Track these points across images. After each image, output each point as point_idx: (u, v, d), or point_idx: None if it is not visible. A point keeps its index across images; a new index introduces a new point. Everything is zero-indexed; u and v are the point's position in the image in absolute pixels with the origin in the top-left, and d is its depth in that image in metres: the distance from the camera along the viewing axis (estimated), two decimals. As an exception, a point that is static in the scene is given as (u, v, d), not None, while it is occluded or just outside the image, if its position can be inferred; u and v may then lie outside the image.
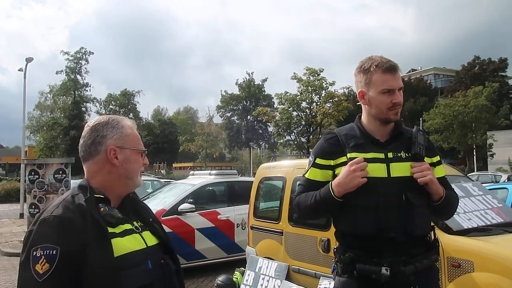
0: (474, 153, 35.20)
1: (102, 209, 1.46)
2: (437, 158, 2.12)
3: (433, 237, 2.07)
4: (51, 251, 1.34)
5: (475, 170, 30.54)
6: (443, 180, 2.08)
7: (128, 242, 1.49)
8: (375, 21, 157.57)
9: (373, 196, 1.92)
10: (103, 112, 49.11)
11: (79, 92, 45.06)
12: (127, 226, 1.54)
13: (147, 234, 1.60)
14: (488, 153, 35.50)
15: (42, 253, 1.34)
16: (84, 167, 1.60)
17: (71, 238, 1.36)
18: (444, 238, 3.31)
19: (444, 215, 2.20)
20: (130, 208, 1.63)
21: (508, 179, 19.76)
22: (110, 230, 1.45)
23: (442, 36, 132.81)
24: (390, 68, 1.98)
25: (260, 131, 54.82)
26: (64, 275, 1.34)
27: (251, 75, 54.05)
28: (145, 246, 1.54)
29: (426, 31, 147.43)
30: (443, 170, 2.15)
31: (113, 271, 1.38)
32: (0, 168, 52.47)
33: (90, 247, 1.36)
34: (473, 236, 3.46)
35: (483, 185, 5.04)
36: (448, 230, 3.45)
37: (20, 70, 21.30)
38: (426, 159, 2.02)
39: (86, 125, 1.63)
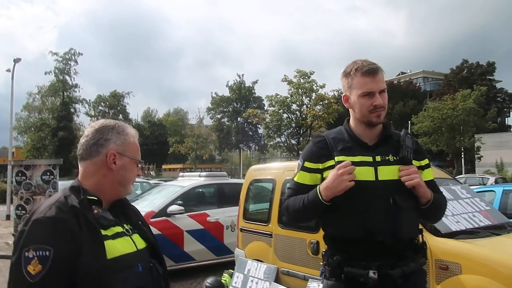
0: (462, 155, 35.52)
1: (96, 211, 1.46)
2: (426, 161, 2.12)
3: (421, 240, 2.07)
4: (44, 252, 1.33)
5: (463, 173, 30.80)
6: (431, 183, 2.09)
7: (120, 245, 1.49)
8: (367, 24, 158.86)
9: (361, 200, 1.92)
10: (92, 114, 48.78)
11: (68, 93, 44.68)
12: (119, 229, 1.54)
13: (136, 237, 1.60)
14: (476, 155, 35.86)
15: (34, 254, 1.33)
16: (80, 166, 1.61)
17: (65, 239, 1.36)
18: (432, 241, 3.33)
19: (432, 218, 2.20)
20: (120, 211, 1.63)
21: (496, 181, 19.96)
22: (103, 232, 1.45)
23: (433, 40, 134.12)
24: (369, 71, 1.98)
25: (250, 133, 54.76)
26: (57, 277, 1.33)
27: (241, 77, 54.11)
28: (136, 249, 1.55)
29: (417, 34, 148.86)
30: (432, 173, 2.15)
31: (107, 273, 1.38)
32: (-14, 169, 51.76)
33: (84, 249, 1.36)
34: (461, 238, 3.49)
35: (471, 187, 5.08)
36: (436, 233, 3.48)
37: (8, 70, 21.06)
38: (414, 162, 2.02)
39: (90, 126, 1.64)
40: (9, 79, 20.17)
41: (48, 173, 10.74)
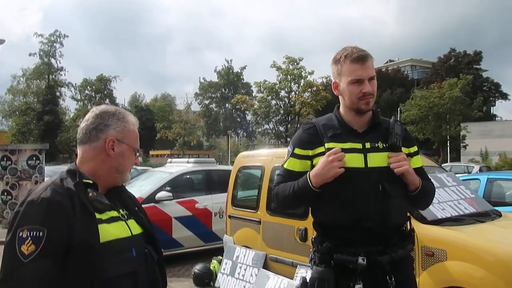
0: (448, 144, 35.95)
1: (90, 194, 1.47)
2: (415, 148, 2.14)
3: (409, 227, 2.09)
4: (38, 233, 1.34)
5: (449, 161, 31.22)
6: (420, 171, 2.11)
7: (114, 229, 1.50)
8: (358, 11, 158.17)
9: (350, 186, 1.94)
10: (79, 98, 48.14)
11: (53, 76, 43.89)
12: (114, 213, 1.55)
13: (132, 223, 1.61)
14: (461, 144, 36.30)
15: (28, 234, 1.35)
16: (78, 150, 1.61)
17: (58, 220, 1.37)
18: (418, 228, 3.37)
19: (421, 205, 2.22)
20: (117, 196, 1.64)
21: (480, 170, 20.28)
22: (97, 216, 1.47)
23: (421, 29, 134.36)
24: (358, 58, 1.98)
25: (238, 119, 54.56)
26: (49, 258, 1.34)
27: (230, 62, 53.71)
28: (130, 234, 1.56)
29: (406, 23, 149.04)
30: (420, 160, 2.17)
31: (99, 256, 1.39)
32: (-30, 153, 51.01)
33: (77, 231, 1.38)
34: (446, 225, 3.55)
35: (456, 175, 5.16)
36: (423, 220, 3.53)
37: (-8, 52, 20.61)
38: (403, 149, 2.03)
39: (91, 111, 1.64)
40: (-8, 62, 19.74)
41: (34, 158, 10.62)
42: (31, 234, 1.34)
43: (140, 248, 1.57)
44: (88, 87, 49.49)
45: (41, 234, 1.34)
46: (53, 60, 43.24)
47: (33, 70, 42.86)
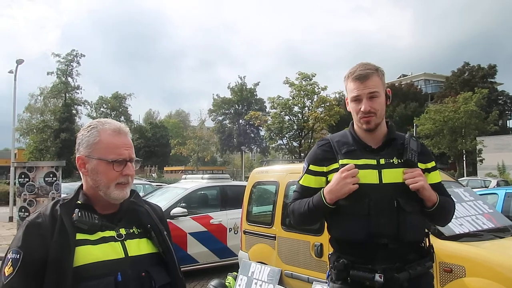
0: (464, 158, 35.46)
1: (74, 214, 1.43)
2: (432, 163, 2.12)
3: (427, 244, 2.07)
4: (16, 255, 1.38)
5: (465, 175, 30.79)
6: (439, 186, 2.09)
7: (99, 251, 1.43)
8: (372, 24, 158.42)
9: (365, 203, 1.93)
10: (94, 115, 48.84)
11: (70, 95, 44.74)
12: (108, 233, 1.48)
13: (134, 242, 1.51)
14: (478, 158, 35.78)
15: (10, 256, 1.39)
16: None
17: (34, 243, 1.39)
18: (436, 243, 3.31)
19: (439, 221, 2.19)
20: (128, 213, 1.56)
21: (498, 184, 19.94)
22: (84, 236, 1.42)
23: (435, 42, 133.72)
24: (357, 76, 2.00)
25: (252, 135, 54.70)
26: (23, 280, 1.36)
27: (243, 79, 54.11)
28: (123, 256, 1.46)
29: (420, 36, 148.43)
30: (439, 176, 2.15)
31: (66, 281, 1.34)
32: (-12, 170, 51.81)
33: (50, 252, 1.37)
34: (464, 241, 3.50)
35: (473, 190, 5.09)
36: (440, 235, 3.49)
37: (11, 72, 21.13)
38: (420, 165, 2.02)
39: None
40: (10, 79, 20.26)
41: (51, 175, 10.76)
42: (12, 256, 1.39)
43: (135, 271, 1.45)
44: (104, 105, 50.26)
45: (18, 256, 1.38)
46: (70, 79, 44.11)
47: (50, 89, 43.72)
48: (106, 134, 1.50)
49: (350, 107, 2.06)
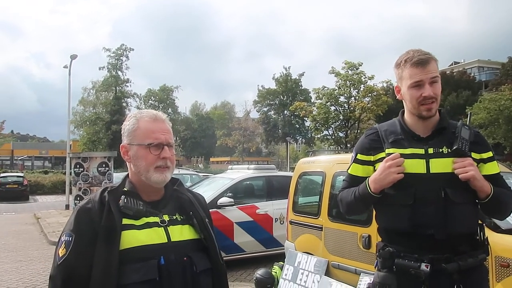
0: (521, 149, 33.68)
1: (120, 200, 1.51)
2: (489, 154, 2.01)
3: (482, 236, 1.99)
4: (69, 238, 1.48)
5: (523, 167, 29.25)
6: (496, 177, 1.99)
7: (143, 236, 1.49)
8: (423, 9, 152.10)
9: (410, 192, 1.90)
10: (143, 107, 50.28)
11: (120, 88, 46.19)
12: (152, 219, 1.54)
13: (177, 228, 1.57)
14: (537, 149, 33.88)
15: (63, 239, 1.49)
16: None
17: (84, 227, 1.48)
18: (491, 237, 3.18)
19: (495, 213, 2.10)
20: (172, 201, 1.63)
21: (559, 176, 18.81)
22: (129, 222, 1.50)
23: (492, 26, 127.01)
24: (418, 61, 1.93)
25: (297, 125, 54.33)
26: (75, 261, 1.44)
27: (288, 69, 53.84)
28: (166, 241, 1.52)
29: (476, 20, 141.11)
30: (496, 166, 2.04)
31: (112, 262, 1.41)
32: (46, 161, 54.67)
33: (99, 237, 1.45)
34: (523, 235, 3.33)
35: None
36: (496, 229, 3.35)
37: (65, 67, 22.13)
38: (474, 154, 1.94)
39: None
40: (65, 74, 21.21)
41: (104, 165, 11.24)
42: (65, 239, 1.49)
43: (178, 256, 1.51)
44: (152, 97, 51.63)
45: (70, 239, 1.47)
46: (119, 73, 45.54)
47: (101, 82, 45.35)
48: (143, 121, 1.59)
49: (408, 93, 1.97)
